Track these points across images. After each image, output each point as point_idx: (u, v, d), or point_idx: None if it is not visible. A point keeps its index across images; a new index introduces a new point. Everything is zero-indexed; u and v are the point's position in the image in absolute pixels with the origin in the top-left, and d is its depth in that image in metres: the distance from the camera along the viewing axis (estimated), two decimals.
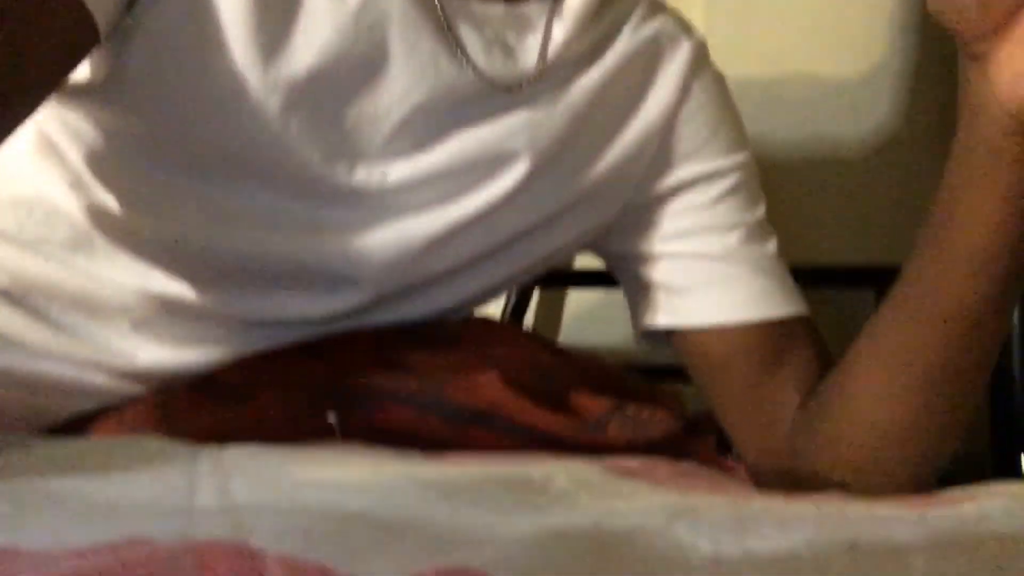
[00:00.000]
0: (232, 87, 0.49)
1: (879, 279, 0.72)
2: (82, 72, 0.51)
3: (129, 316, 0.54)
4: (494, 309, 0.96)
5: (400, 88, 0.52)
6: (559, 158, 0.57)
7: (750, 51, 1.02)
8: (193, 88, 0.49)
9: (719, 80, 0.63)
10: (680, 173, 0.60)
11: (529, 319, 1.05)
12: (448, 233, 0.55)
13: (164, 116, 0.50)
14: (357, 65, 0.51)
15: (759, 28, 1.06)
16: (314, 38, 0.50)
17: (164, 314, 0.54)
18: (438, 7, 0.53)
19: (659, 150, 0.60)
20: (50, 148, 0.53)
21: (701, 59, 0.63)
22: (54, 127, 0.53)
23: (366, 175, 0.53)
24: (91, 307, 0.54)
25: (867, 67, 1.02)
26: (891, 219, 0.96)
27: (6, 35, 0.42)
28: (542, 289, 1.06)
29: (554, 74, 0.57)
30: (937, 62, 1.00)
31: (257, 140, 0.50)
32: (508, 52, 0.56)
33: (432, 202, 0.55)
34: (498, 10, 0.56)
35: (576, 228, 0.61)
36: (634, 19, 0.61)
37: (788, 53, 1.03)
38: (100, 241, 0.52)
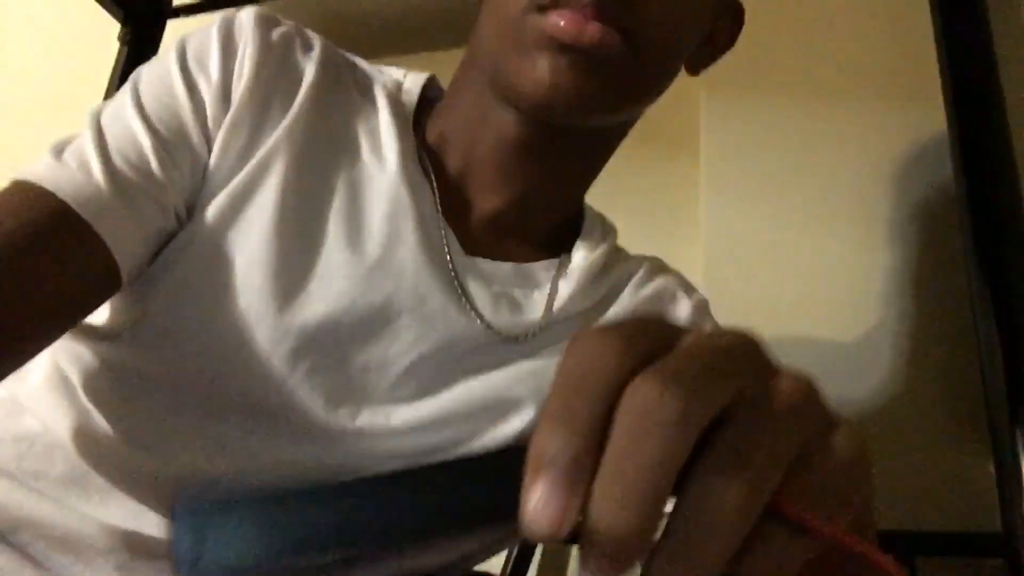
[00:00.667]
0: (244, 333, 0.49)
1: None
2: (102, 315, 0.52)
3: (116, 559, 0.50)
4: (497, 561, 0.92)
5: (409, 338, 0.52)
6: None
7: (748, 312, 0.98)
8: (208, 333, 0.50)
9: None
10: None
11: (532, 574, 1.00)
12: None
13: (178, 359, 0.50)
14: (367, 316, 0.51)
15: (757, 289, 1.02)
16: (328, 289, 0.51)
17: (151, 559, 0.50)
18: (449, 264, 0.55)
19: None
20: (62, 382, 0.52)
21: (702, 314, 0.65)
22: (68, 362, 0.52)
23: (369, 420, 0.51)
24: (78, 548, 0.50)
25: (866, 328, 0.98)
26: (888, 485, 0.88)
27: (25, 266, 0.44)
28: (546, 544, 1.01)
29: (559, 326, 0.58)
30: (938, 322, 0.96)
31: (263, 384, 0.50)
32: (515, 306, 0.57)
33: (436, 448, 0.53)
34: (506, 268, 0.58)
35: None
36: (637, 278, 0.64)
37: (786, 315, 1.00)
38: (96, 479, 0.50)
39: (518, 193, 0.59)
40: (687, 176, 1.11)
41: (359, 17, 1.39)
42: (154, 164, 0.50)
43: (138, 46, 1.37)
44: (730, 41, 0.64)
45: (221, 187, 0.52)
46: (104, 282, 0.48)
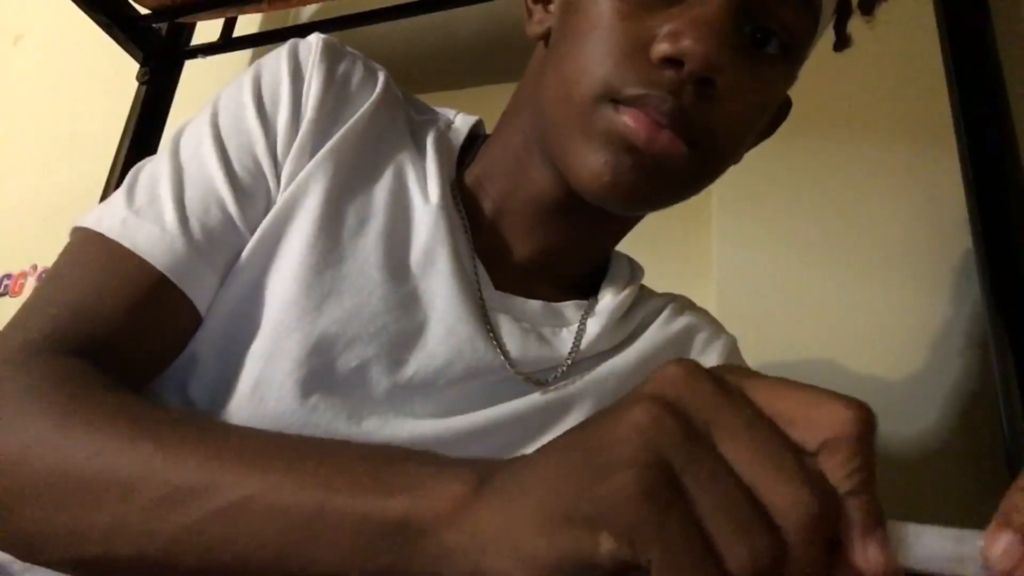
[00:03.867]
0: (274, 345, 0.49)
1: None
2: None
3: None
4: None
5: (435, 365, 0.52)
6: None
7: (759, 352, 0.96)
8: (241, 346, 0.50)
9: None
10: None
11: None
12: None
13: (218, 366, 0.51)
14: (395, 339, 0.52)
15: (768, 328, 1.01)
16: (363, 309, 0.51)
17: None
18: (479, 297, 0.56)
19: None
20: None
21: (732, 355, 0.64)
22: None
23: (376, 428, 0.50)
24: None
25: (881, 370, 0.96)
26: None
27: (129, 338, 0.47)
28: None
29: (586, 363, 0.59)
30: (955, 361, 0.93)
31: (287, 394, 0.49)
32: (543, 342, 0.58)
33: None
34: (536, 306, 0.59)
35: None
36: (665, 315, 0.65)
37: (797, 356, 0.99)
38: None
39: (549, 244, 0.60)
40: (699, 214, 1.11)
41: (397, 55, 1.41)
42: (237, 218, 0.51)
43: (156, 85, 1.38)
44: (772, 128, 0.63)
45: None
46: (191, 330, 0.50)
